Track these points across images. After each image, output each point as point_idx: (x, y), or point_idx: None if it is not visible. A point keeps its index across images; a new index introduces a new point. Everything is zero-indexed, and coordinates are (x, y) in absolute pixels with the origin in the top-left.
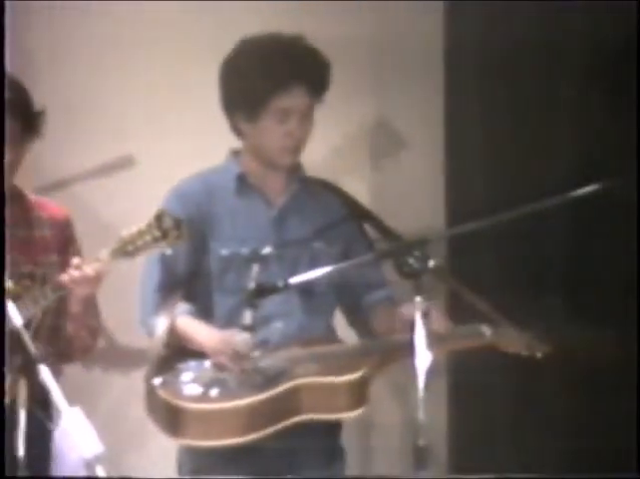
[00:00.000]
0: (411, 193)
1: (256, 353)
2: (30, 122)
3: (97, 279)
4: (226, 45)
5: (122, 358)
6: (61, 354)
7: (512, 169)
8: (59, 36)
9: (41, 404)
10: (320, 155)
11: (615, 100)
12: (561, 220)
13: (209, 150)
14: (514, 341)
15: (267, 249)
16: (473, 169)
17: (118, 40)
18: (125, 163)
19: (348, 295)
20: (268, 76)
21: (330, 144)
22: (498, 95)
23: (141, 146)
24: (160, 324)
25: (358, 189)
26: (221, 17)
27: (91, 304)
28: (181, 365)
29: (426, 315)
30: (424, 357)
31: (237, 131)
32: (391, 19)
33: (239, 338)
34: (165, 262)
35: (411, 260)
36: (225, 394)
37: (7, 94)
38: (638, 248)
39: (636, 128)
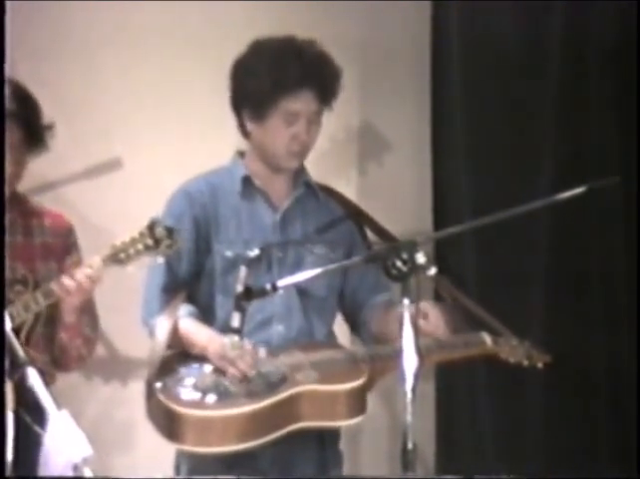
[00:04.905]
0: (397, 196)
1: (261, 356)
2: (34, 134)
3: (88, 286)
4: (219, 48)
5: (110, 362)
6: (55, 362)
7: (500, 171)
8: (44, 37)
9: (29, 407)
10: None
11: (605, 100)
12: (549, 220)
13: (199, 153)
14: (515, 351)
15: (255, 252)
16: (460, 172)
17: (107, 41)
18: (113, 165)
19: (350, 300)
20: (278, 77)
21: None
22: (486, 97)
23: (129, 148)
24: (161, 325)
25: (344, 192)
26: (212, 20)
27: (86, 313)
28: (183, 369)
29: (425, 317)
30: (412, 360)
31: (244, 131)
32: (378, 21)
33: (227, 340)
34: (170, 262)
35: (398, 263)
36: (225, 401)
37: (11, 104)
38: (638, 250)
39: (636, 128)
